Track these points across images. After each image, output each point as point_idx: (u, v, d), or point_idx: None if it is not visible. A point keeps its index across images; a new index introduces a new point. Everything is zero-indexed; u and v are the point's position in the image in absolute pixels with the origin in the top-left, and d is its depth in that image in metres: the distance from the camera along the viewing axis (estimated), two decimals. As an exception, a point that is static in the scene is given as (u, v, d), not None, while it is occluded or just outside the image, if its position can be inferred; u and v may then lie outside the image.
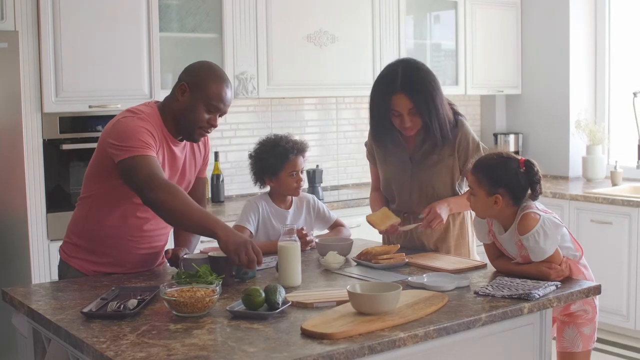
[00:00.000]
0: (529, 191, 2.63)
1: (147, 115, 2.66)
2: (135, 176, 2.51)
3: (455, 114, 3.10)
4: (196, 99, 2.65)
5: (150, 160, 2.54)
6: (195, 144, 2.84)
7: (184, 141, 2.78)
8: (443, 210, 2.97)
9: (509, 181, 2.61)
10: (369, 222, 3.05)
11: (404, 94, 2.93)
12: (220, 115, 2.72)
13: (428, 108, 2.94)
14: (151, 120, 2.65)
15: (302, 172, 3.15)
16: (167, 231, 2.86)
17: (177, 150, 2.75)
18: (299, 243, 2.60)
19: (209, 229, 2.46)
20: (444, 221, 2.98)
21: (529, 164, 2.63)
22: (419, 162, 3.10)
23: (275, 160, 3.11)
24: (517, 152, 6.00)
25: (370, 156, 3.30)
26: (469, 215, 3.16)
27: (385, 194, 3.24)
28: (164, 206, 2.49)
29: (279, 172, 3.11)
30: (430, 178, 3.08)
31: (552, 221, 2.58)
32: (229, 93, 2.70)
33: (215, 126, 2.71)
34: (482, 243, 2.84)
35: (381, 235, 3.18)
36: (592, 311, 2.71)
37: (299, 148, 3.15)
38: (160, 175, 2.52)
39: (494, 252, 2.76)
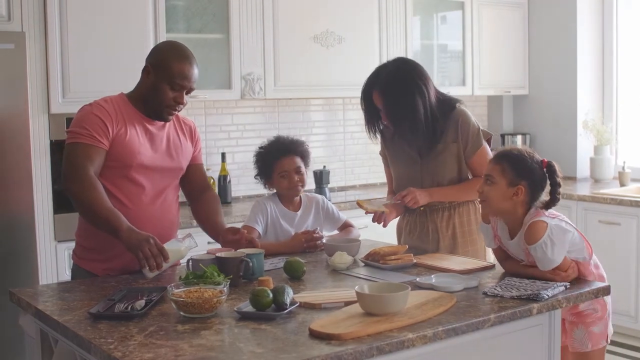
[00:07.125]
0: (547, 197, 2.59)
1: (109, 100, 2.72)
2: (64, 162, 2.65)
3: (452, 101, 3.11)
4: (160, 79, 2.69)
5: (82, 149, 2.61)
6: (180, 129, 2.86)
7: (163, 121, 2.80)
8: (421, 194, 3.04)
9: (534, 176, 2.57)
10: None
11: (378, 91, 3.00)
12: (187, 93, 2.73)
13: (394, 110, 2.98)
14: (112, 104, 2.71)
15: (297, 172, 3.09)
16: (172, 217, 2.85)
17: (154, 128, 2.76)
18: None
19: (114, 227, 2.54)
20: (419, 202, 3.04)
21: (551, 166, 2.60)
22: (427, 155, 3.11)
23: (265, 163, 3.12)
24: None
25: (383, 157, 3.30)
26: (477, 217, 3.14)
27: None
28: (76, 197, 2.61)
29: (271, 175, 3.11)
30: (438, 168, 3.09)
31: (561, 228, 2.54)
32: (192, 69, 2.72)
33: (182, 103, 2.74)
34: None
35: (387, 235, 3.18)
36: (602, 309, 2.68)
37: (287, 149, 3.11)
38: (84, 166, 2.59)
39: (502, 253, 2.74)
